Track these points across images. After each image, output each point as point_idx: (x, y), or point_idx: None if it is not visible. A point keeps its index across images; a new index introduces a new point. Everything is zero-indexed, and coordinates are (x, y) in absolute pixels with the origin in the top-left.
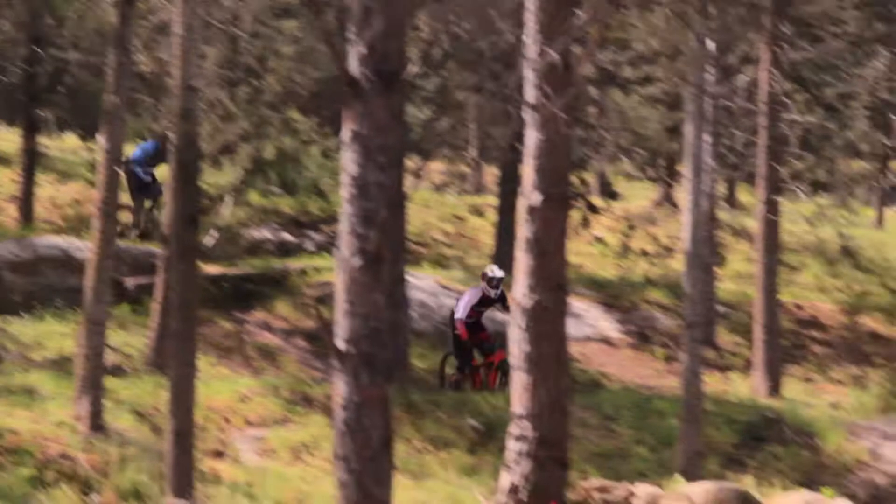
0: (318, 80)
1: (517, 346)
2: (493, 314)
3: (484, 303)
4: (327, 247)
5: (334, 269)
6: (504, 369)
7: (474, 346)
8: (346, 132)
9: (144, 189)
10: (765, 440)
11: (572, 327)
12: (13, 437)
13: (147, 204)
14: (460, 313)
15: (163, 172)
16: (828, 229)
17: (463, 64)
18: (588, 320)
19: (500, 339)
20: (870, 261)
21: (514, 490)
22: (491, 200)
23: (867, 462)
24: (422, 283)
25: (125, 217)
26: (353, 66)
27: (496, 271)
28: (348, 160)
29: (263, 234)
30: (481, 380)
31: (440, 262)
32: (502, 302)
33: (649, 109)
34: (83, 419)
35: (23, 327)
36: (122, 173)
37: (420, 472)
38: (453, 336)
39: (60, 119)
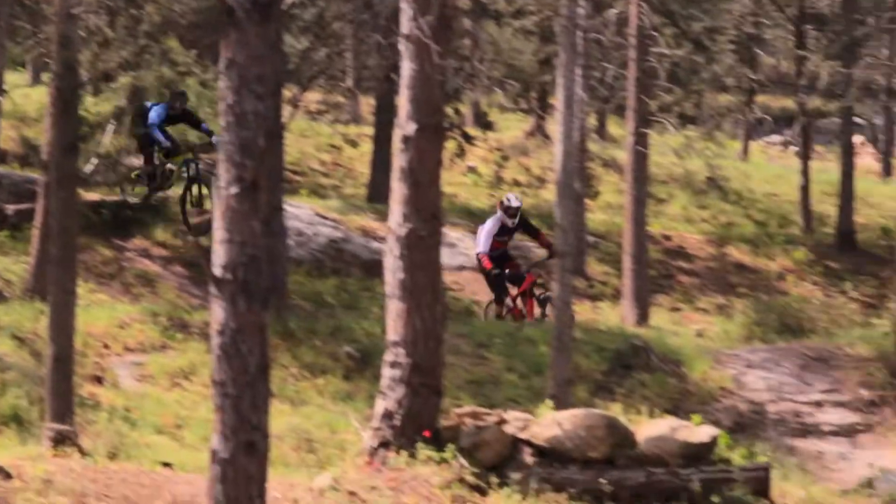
0: (196, 9)
1: (392, 275)
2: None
3: (504, 232)
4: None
5: (213, 198)
6: (536, 295)
7: (504, 277)
8: (223, 61)
9: (171, 151)
10: (633, 368)
11: (447, 256)
12: None
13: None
14: (481, 247)
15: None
16: (695, 161)
17: None
18: (462, 249)
19: (527, 265)
20: (735, 192)
21: (388, 416)
22: (367, 130)
23: (731, 389)
24: (299, 211)
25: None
26: None
27: (513, 200)
28: (226, 89)
29: (143, 162)
30: (520, 310)
31: (317, 192)
32: (526, 229)
33: (522, 42)
34: None
35: None
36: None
37: (297, 398)
38: (482, 272)
39: None
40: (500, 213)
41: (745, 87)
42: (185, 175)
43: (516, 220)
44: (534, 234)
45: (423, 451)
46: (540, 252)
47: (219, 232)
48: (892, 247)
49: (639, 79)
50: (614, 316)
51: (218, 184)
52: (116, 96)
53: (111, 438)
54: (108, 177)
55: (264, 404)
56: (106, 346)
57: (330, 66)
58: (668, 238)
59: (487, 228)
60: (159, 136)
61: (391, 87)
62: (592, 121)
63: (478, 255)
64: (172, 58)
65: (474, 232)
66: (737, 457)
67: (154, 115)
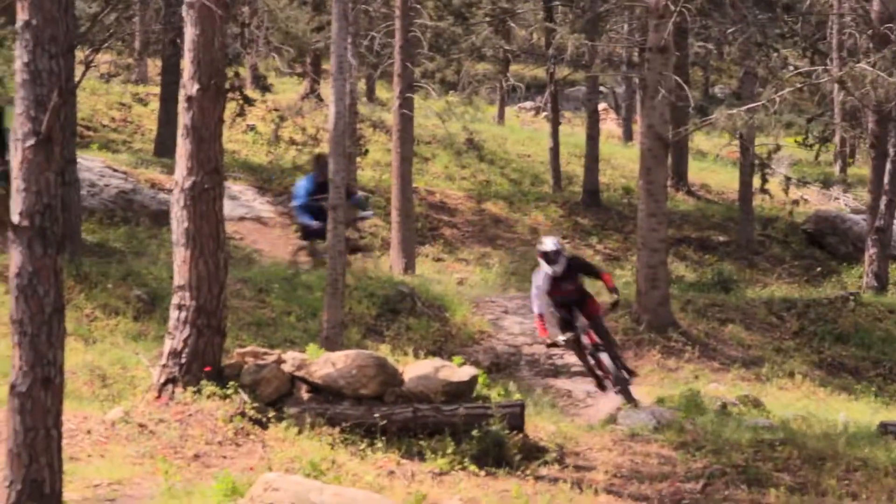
0: None
1: (178, 224)
2: None
3: (559, 282)
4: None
5: (10, 150)
6: (598, 327)
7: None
8: (19, 23)
9: (314, 233)
10: (400, 312)
11: (229, 207)
12: None
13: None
14: (535, 307)
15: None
16: (455, 124)
17: None
18: (243, 201)
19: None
20: (492, 153)
21: (175, 354)
22: (154, 90)
23: (489, 333)
24: (91, 164)
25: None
26: None
27: (547, 243)
28: (22, 49)
29: None
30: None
31: (108, 146)
32: (583, 271)
33: (297, 10)
34: None
35: None
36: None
37: (90, 337)
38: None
39: None
40: (542, 262)
41: (501, 56)
42: None
43: (561, 267)
44: (594, 275)
45: (208, 387)
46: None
47: (16, 182)
48: (632, 204)
49: (404, 47)
50: (383, 265)
51: (14, 136)
52: None
53: None
54: None
55: (60, 342)
56: None
57: (119, 30)
58: (431, 194)
59: (537, 286)
60: (305, 220)
61: (176, 50)
62: (362, 85)
63: (535, 319)
64: None
65: (255, 186)
66: (494, 394)
67: (300, 191)
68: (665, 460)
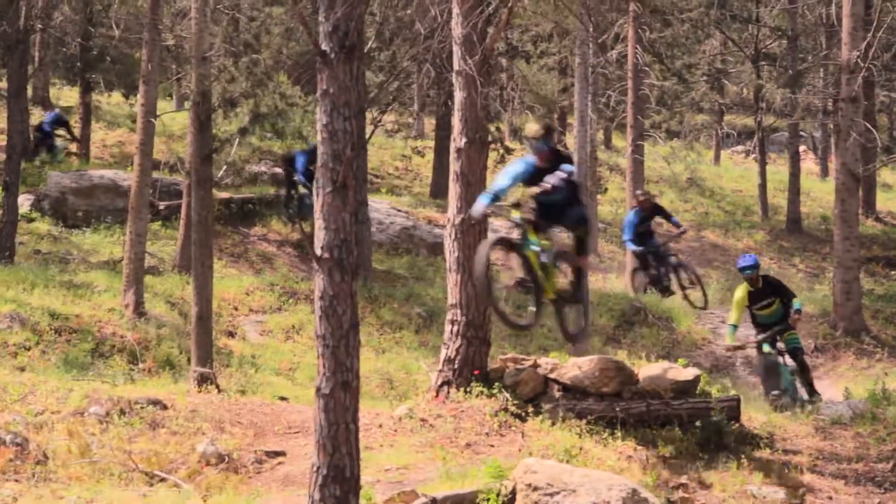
0: (299, 52)
1: (449, 254)
2: None
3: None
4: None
5: (313, 195)
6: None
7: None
8: (319, 91)
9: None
10: (634, 324)
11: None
12: (77, 320)
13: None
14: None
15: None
16: (679, 166)
17: (406, 40)
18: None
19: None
20: (710, 189)
21: (449, 361)
22: (429, 144)
23: (709, 339)
24: (379, 206)
25: None
26: (323, 41)
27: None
28: (321, 112)
29: (261, 168)
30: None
31: (392, 191)
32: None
33: (546, 75)
34: (129, 306)
35: (83, 238)
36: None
37: (380, 348)
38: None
39: (108, 81)
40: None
41: (716, 109)
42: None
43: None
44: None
45: (476, 387)
46: None
47: (319, 221)
48: (829, 230)
49: (635, 103)
50: (619, 284)
51: (317, 184)
52: (240, 119)
53: (241, 378)
54: (235, 180)
55: (355, 352)
56: (236, 309)
57: (400, 95)
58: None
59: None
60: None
61: (447, 110)
62: (600, 135)
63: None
64: (282, 90)
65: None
66: (714, 391)
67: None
68: (860, 444)
